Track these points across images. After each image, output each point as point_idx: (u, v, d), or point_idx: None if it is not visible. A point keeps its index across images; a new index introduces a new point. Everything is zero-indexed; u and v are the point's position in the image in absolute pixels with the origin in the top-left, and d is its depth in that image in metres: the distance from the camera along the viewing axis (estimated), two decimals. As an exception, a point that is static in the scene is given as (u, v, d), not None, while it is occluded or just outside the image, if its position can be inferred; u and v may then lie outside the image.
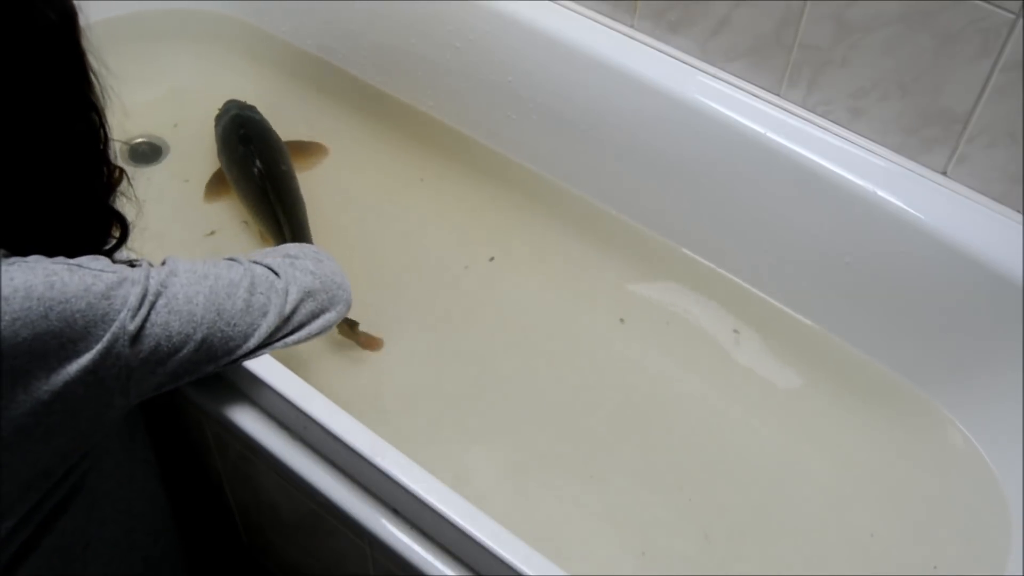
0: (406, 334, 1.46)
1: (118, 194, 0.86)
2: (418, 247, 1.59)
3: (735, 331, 1.49)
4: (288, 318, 0.94)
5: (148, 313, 0.79)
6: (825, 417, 1.40)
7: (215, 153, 1.64)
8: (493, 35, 1.58)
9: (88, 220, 0.84)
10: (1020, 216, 1.27)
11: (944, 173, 1.31)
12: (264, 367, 0.95)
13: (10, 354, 0.71)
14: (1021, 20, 1.14)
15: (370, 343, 1.42)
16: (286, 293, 0.92)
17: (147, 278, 0.80)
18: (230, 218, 1.60)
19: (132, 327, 0.78)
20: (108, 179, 0.84)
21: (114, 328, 0.76)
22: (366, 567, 1.02)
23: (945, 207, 1.29)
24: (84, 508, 0.87)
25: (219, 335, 0.87)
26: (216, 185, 1.64)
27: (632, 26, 1.49)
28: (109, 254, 0.86)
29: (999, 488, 1.29)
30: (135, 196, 0.88)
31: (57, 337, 0.73)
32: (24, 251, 0.77)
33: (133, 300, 0.78)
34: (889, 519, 1.29)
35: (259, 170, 1.54)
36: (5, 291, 0.70)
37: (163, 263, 0.86)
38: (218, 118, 1.67)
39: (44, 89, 0.75)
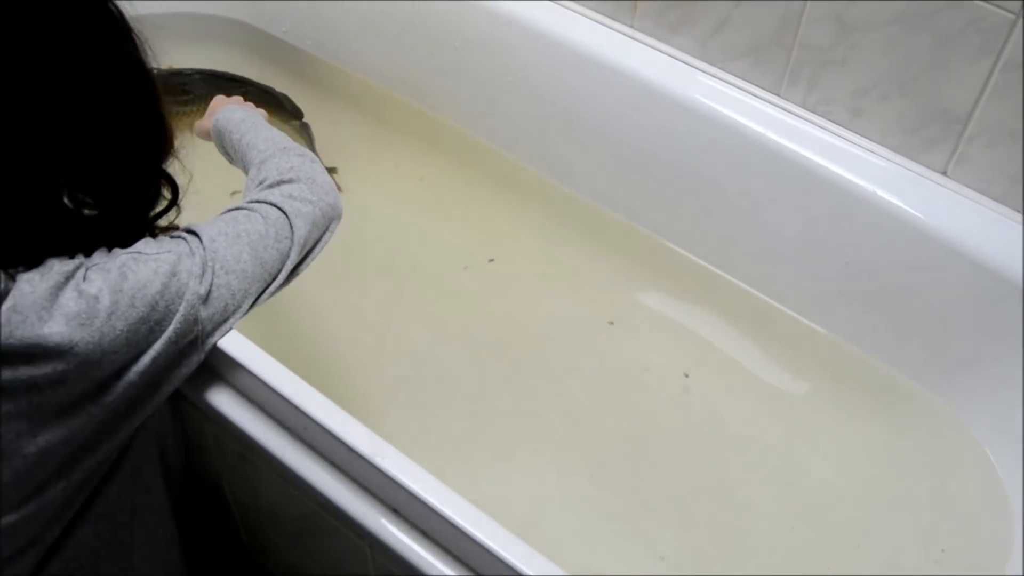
0: (405, 333, 1.46)
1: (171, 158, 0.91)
2: (417, 247, 1.59)
3: (733, 331, 1.49)
4: (300, 249, 0.99)
5: (212, 278, 0.87)
6: (825, 416, 1.40)
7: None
8: (493, 35, 1.58)
9: (146, 179, 0.88)
10: (1020, 216, 1.27)
11: (944, 173, 1.31)
12: (264, 367, 0.95)
13: (111, 349, 0.78)
14: (1021, 20, 1.14)
15: None
16: (295, 230, 0.97)
17: (200, 247, 0.87)
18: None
19: (203, 290, 0.85)
20: (166, 137, 0.88)
21: (188, 296, 0.84)
22: (366, 567, 1.02)
23: (945, 207, 1.29)
24: (129, 472, 0.91)
25: (262, 283, 0.94)
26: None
27: (632, 26, 1.49)
28: (160, 216, 0.91)
29: (1002, 484, 1.29)
30: (182, 162, 0.92)
31: (145, 322, 0.80)
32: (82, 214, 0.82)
33: (196, 269, 0.85)
34: (893, 517, 1.29)
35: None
36: (92, 291, 0.77)
37: (188, 231, 0.90)
38: None
39: (92, 50, 0.78)
